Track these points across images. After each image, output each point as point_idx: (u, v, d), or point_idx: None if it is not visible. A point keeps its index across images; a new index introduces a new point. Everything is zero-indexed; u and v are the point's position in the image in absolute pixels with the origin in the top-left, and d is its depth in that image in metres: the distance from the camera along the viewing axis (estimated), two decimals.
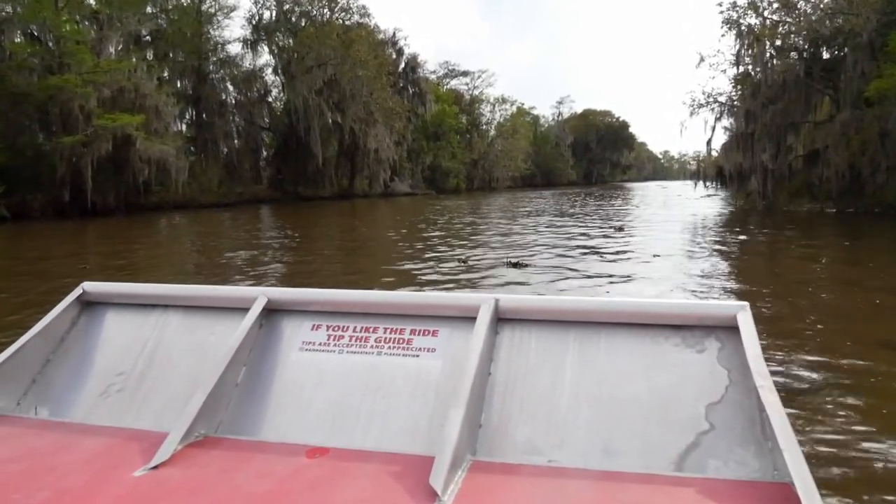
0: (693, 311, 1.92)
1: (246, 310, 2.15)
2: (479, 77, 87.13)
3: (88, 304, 2.39)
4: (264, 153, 53.03)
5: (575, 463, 1.63)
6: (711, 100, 30.98)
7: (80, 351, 2.25)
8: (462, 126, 78.39)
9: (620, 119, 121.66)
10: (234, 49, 47.42)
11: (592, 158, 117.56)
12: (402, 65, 65.57)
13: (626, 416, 1.72)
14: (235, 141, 47.97)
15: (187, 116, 43.50)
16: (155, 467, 1.60)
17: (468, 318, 1.99)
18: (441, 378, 1.91)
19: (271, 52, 47.42)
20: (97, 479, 1.55)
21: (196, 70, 42.15)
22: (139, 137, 30.85)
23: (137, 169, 31.49)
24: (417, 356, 1.99)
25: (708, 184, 35.24)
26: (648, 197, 49.07)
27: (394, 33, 63.94)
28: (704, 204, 35.27)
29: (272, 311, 2.21)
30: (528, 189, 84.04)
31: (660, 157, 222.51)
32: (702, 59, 30.14)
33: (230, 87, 46.69)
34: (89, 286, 2.39)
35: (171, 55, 41.48)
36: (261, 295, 2.18)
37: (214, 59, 43.10)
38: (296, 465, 1.61)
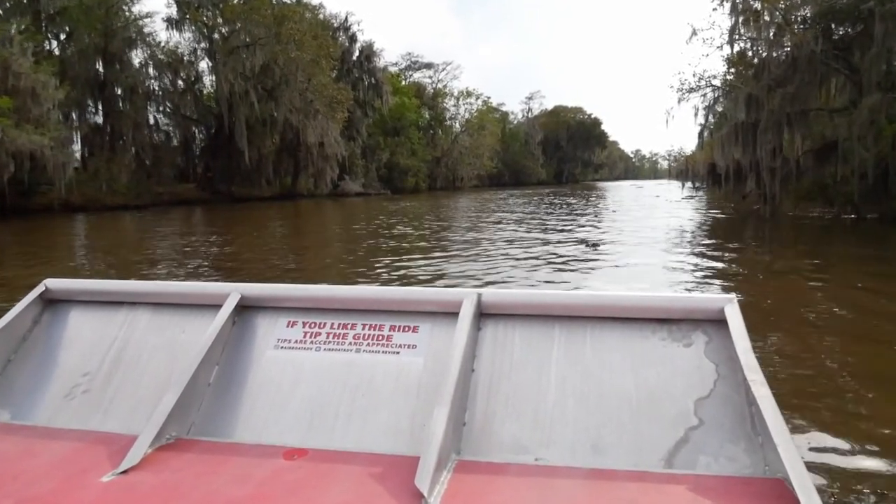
0: (679, 304, 1.87)
1: (218, 307, 2.06)
2: (444, 70, 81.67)
3: (51, 302, 2.28)
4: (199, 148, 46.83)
5: (563, 461, 1.60)
6: (704, 83, 25.78)
7: (43, 351, 2.15)
8: (423, 121, 72.71)
9: (592, 116, 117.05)
10: (157, 29, 41.11)
11: (563, 157, 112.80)
12: (356, 53, 59.86)
13: (614, 413, 1.68)
14: (162, 133, 41.78)
15: (95, 105, 36.86)
16: (124, 472, 1.54)
17: (450, 314, 1.94)
18: (423, 375, 1.86)
19: (199, 31, 40.85)
20: (64, 485, 1.49)
21: (102, 50, 35.67)
22: (3, 125, 24.79)
23: (1, 164, 25.44)
24: (398, 353, 1.93)
25: (690, 184, 30.29)
26: (624, 199, 44.21)
27: (346, 17, 58.26)
28: (688, 208, 30.47)
29: (245, 308, 2.11)
30: (496, 188, 79.09)
31: (631, 156, 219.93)
32: (694, 33, 24.99)
33: (152, 72, 40.26)
34: (52, 283, 2.28)
35: (74, 32, 35.15)
36: (233, 291, 2.10)
37: (125, 36, 36.24)
38: (274, 468, 1.55)
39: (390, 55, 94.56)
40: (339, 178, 52.06)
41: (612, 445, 1.63)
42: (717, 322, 1.81)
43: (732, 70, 27.45)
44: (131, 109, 37.46)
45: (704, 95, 26.30)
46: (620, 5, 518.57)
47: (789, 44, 22.71)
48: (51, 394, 2.02)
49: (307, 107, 41.60)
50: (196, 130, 45.20)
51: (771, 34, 23.04)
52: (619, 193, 56.09)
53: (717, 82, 25.82)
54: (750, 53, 26.30)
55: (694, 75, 26.04)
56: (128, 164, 36.47)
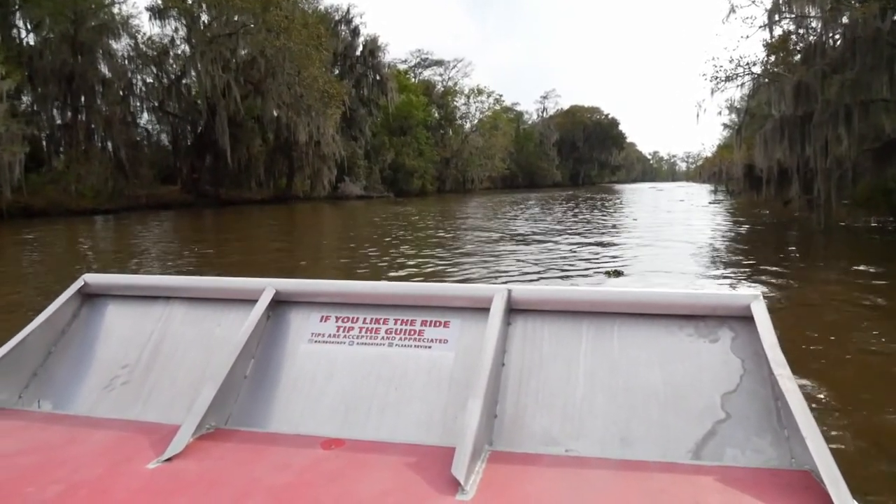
0: (706, 300, 1.89)
1: (252, 301, 2.11)
2: (454, 67, 78.03)
3: (89, 297, 2.35)
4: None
5: (593, 452, 1.62)
6: (742, 70, 22.01)
7: (82, 343, 2.21)
8: (432, 120, 69.04)
9: (609, 116, 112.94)
10: (141, 21, 37.78)
11: (579, 158, 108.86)
12: (360, 48, 56.52)
13: (642, 406, 1.71)
14: (142, 131, 38.64)
15: (63, 99, 33.29)
16: (169, 459, 1.58)
17: (480, 310, 1.98)
18: (454, 369, 1.89)
19: (182, 18, 37.25)
20: (111, 471, 1.52)
21: (71, 39, 32.37)
22: None
23: None
24: (429, 347, 1.96)
25: (724, 187, 26.54)
26: (645, 203, 40.60)
27: (348, 9, 54.81)
28: (720, 215, 26.84)
29: (280, 303, 2.16)
30: (508, 191, 75.44)
31: (649, 157, 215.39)
32: (732, 10, 21.19)
33: (130, 64, 36.85)
34: (90, 278, 2.34)
35: (42, 19, 31.95)
36: (268, 286, 2.14)
37: (96, 24, 32.73)
38: (313, 457, 1.60)
39: (401, 54, 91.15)
40: (339, 179, 48.74)
41: (640, 438, 1.64)
42: (744, 318, 1.82)
43: (772, 58, 23.76)
44: (104, 104, 34.11)
45: (742, 85, 22.53)
46: (639, 5, 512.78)
47: (846, 20, 18.94)
48: (91, 385, 2.05)
49: (297, 102, 37.88)
50: (186, 128, 41.78)
51: (825, 9, 19.25)
52: (639, 197, 52.45)
53: (757, 69, 21.95)
54: (794, 38, 22.62)
55: (731, 61, 22.08)
56: (98, 163, 33.12)
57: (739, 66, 21.94)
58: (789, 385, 1.55)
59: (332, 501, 1.39)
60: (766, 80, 21.13)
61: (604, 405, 1.72)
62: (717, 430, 1.61)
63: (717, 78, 21.84)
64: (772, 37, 22.79)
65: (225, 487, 1.44)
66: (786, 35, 22.13)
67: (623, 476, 1.46)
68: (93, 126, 33.44)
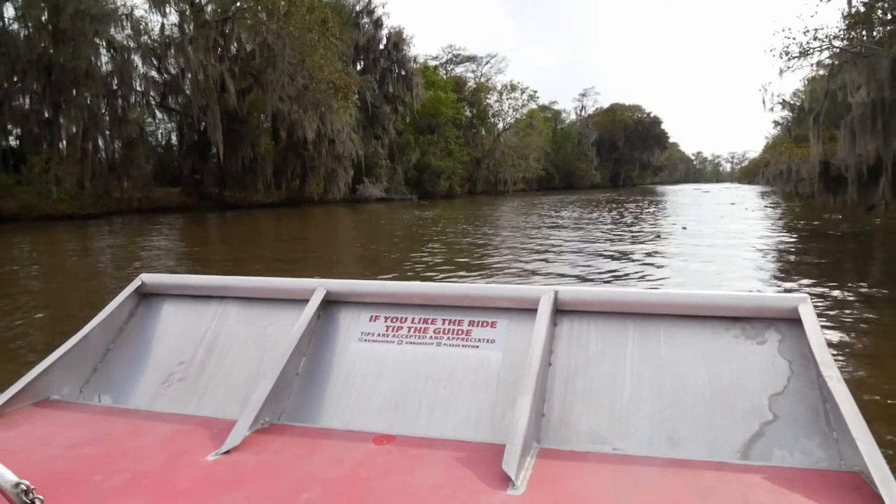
0: (752, 303, 1.87)
1: (304, 301, 2.15)
2: (487, 62, 74.08)
3: (146, 296, 2.39)
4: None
5: (640, 451, 1.62)
6: (819, 45, 17.77)
7: (140, 341, 2.26)
8: (463, 118, 65.15)
9: (652, 115, 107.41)
10: (140, 7, 34.77)
11: (619, 158, 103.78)
12: (383, 41, 53.02)
13: (689, 406, 1.71)
14: (135, 128, 35.65)
15: (42, 93, 30.10)
16: (227, 452, 1.61)
17: (527, 310, 1.99)
18: (502, 368, 1.90)
19: (185, 7, 34.08)
20: (172, 462, 1.56)
21: (52, 28, 29.31)
22: None
23: None
24: (477, 347, 1.97)
25: (793, 189, 22.25)
26: (691, 208, 36.24)
27: (369, 0, 51.28)
28: (782, 223, 22.60)
29: (330, 303, 2.19)
30: (544, 193, 71.22)
31: (692, 157, 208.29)
32: None
33: (124, 56, 33.75)
34: (147, 278, 2.38)
35: (19, 4, 29.09)
36: (319, 286, 2.17)
37: (79, 9, 29.41)
38: (365, 452, 1.61)
39: (431, 49, 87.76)
40: (359, 180, 45.26)
41: (687, 438, 1.63)
42: (791, 321, 1.79)
43: (853, 34, 19.53)
44: (91, 98, 31.05)
45: (815, 65, 18.31)
46: (682, 1, 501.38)
47: None
48: (149, 381, 2.09)
49: (301, 95, 34.28)
50: (187, 125, 38.56)
51: None
52: (685, 200, 47.98)
53: (838, 43, 17.70)
54: (882, 6, 18.37)
55: (806, 32, 17.85)
56: (82, 163, 30.10)
57: (816, 38, 17.67)
58: (839, 387, 1.53)
59: (387, 494, 1.39)
60: (852, 53, 16.81)
61: (650, 405, 1.71)
62: (764, 431, 1.60)
63: (787, 53, 17.63)
64: (850, 6, 18.60)
65: (283, 479, 1.46)
66: (873, 1, 17.93)
67: (671, 473, 1.46)
68: (77, 122, 30.33)
